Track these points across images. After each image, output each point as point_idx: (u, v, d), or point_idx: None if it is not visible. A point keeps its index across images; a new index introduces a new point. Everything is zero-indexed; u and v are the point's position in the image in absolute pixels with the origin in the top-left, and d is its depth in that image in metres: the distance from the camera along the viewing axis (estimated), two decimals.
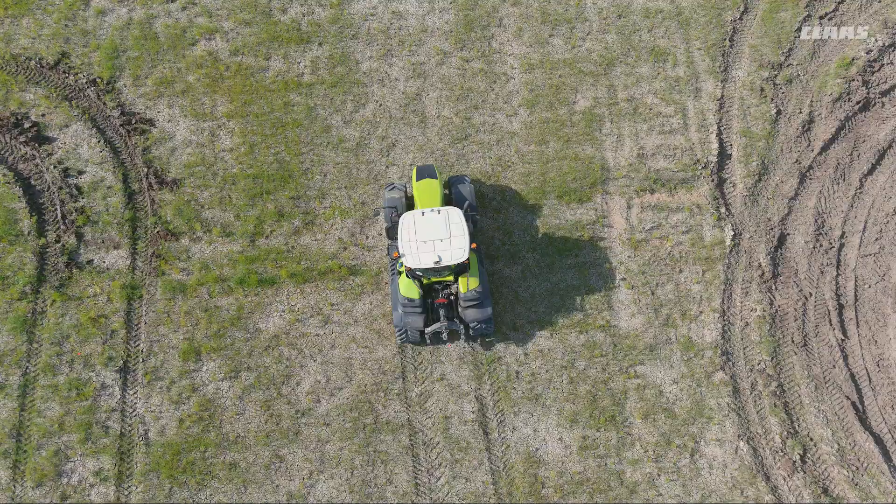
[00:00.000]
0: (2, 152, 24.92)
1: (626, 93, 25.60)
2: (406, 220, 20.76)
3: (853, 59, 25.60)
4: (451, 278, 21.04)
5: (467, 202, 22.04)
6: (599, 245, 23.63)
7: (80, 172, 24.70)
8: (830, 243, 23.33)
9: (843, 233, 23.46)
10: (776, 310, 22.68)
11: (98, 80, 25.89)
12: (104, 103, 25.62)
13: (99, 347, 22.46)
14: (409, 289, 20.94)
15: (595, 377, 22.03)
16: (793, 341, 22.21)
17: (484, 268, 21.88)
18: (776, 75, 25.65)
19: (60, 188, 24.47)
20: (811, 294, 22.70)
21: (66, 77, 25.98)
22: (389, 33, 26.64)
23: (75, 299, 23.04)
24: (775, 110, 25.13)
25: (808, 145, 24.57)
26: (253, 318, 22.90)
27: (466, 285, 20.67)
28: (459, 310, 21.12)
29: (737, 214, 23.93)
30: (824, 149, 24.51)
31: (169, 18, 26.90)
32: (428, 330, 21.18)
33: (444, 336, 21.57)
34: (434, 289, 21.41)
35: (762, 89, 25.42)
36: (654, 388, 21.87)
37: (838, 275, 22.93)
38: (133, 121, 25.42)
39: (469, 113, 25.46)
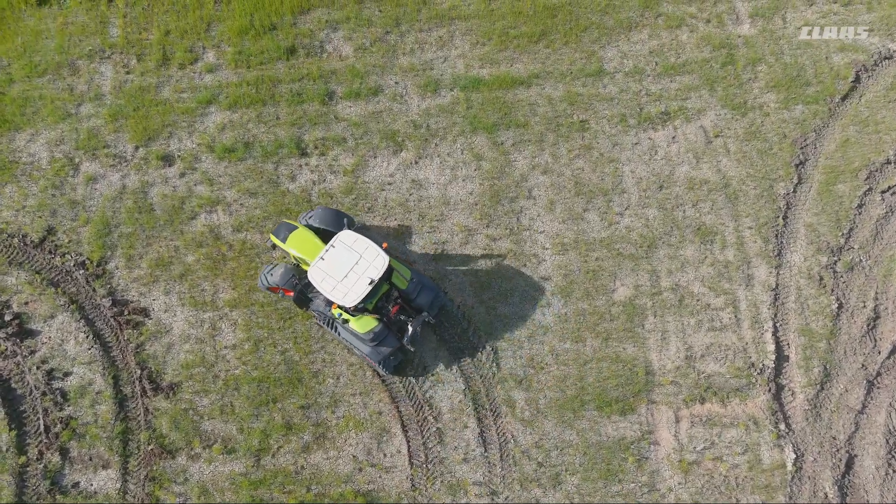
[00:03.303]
0: None
1: (671, 280, 23.19)
2: (314, 275, 20.41)
3: None
4: (386, 287, 21.23)
5: (344, 219, 21.90)
6: (646, 468, 21.14)
7: (67, 374, 22.24)
8: None
9: None
10: None
11: (87, 261, 23.50)
12: (94, 289, 23.20)
13: None
14: (366, 324, 20.79)
15: None
16: None
17: (400, 258, 22.68)
18: (836, 261, 23.27)
19: (44, 394, 22.00)
20: None
21: (53, 257, 23.58)
22: (408, 206, 24.26)
23: None
24: (836, 304, 22.73)
25: (875, 346, 22.16)
26: None
27: (403, 281, 21.23)
28: (411, 304, 21.55)
29: (798, 431, 21.47)
30: (893, 351, 22.09)
31: (166, 186, 24.52)
32: (406, 341, 21.11)
33: (419, 334, 21.43)
34: (378, 307, 21.24)
35: (821, 278, 23.03)
36: None
37: None
38: (125, 311, 22.99)
39: (497, 302, 23.03)
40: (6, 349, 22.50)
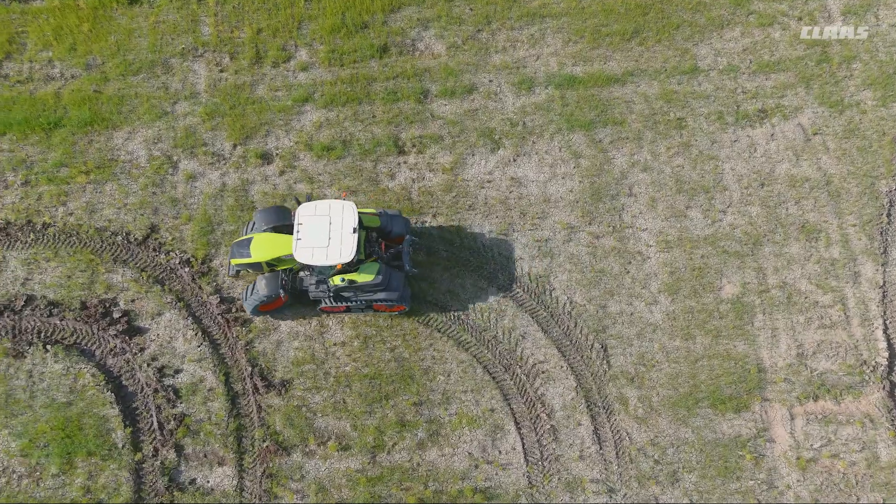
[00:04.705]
0: (89, 345, 22.55)
1: (777, 277, 23.16)
2: (302, 255, 20.52)
3: None
4: (364, 233, 21.73)
5: (292, 201, 22.87)
6: (763, 465, 21.12)
7: (177, 371, 22.28)
8: None
9: None
10: None
11: (192, 258, 23.52)
12: (200, 287, 23.24)
13: None
14: (370, 271, 21.11)
15: None
16: None
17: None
18: None
19: (156, 391, 22.04)
20: None
21: (157, 255, 23.63)
22: (509, 203, 24.27)
23: None
24: None
25: None
26: None
27: (374, 219, 21.88)
28: (390, 236, 22.33)
29: None
30: None
31: (266, 185, 24.56)
32: (407, 267, 21.93)
33: (410, 256, 22.45)
34: (368, 254, 21.75)
35: None
36: None
37: None
38: (233, 308, 23.03)
39: (604, 300, 23.02)
40: (115, 346, 22.56)
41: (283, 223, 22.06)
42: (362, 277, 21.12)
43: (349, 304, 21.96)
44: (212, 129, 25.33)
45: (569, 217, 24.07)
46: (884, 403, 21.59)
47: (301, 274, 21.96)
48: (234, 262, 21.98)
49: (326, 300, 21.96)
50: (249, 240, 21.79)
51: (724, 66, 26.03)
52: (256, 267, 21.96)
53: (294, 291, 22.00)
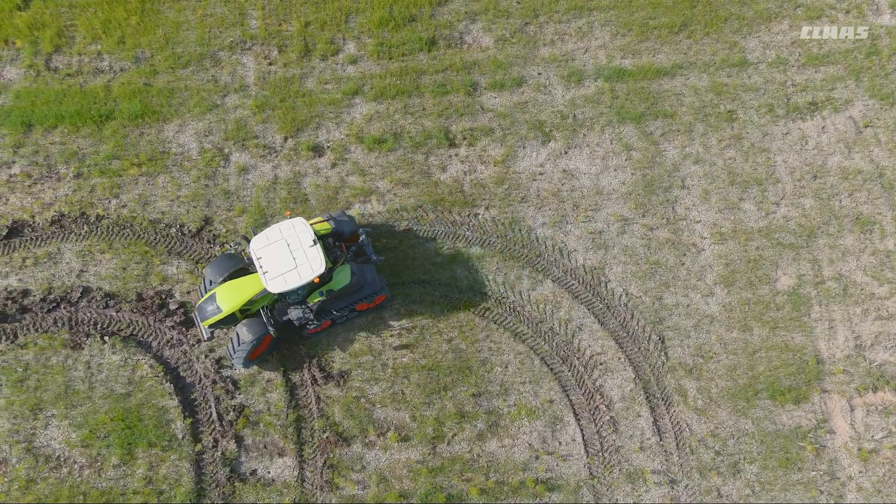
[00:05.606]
0: (146, 336, 22.57)
1: (833, 269, 23.17)
2: (276, 286, 20.11)
3: None
4: (321, 244, 21.45)
5: (238, 244, 23.03)
6: (824, 456, 21.11)
7: None
8: None
9: None
10: None
11: (247, 251, 23.49)
12: None
13: None
14: (342, 274, 21.14)
15: None
16: None
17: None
18: None
19: (214, 382, 22.05)
20: None
21: (211, 247, 23.64)
22: (561, 195, 24.28)
23: None
24: None
25: None
26: None
27: (326, 226, 21.80)
28: (344, 237, 22.38)
29: None
30: None
31: (318, 177, 24.58)
32: (373, 258, 22.05)
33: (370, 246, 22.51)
34: (334, 259, 21.74)
35: None
36: None
37: None
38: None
39: (660, 291, 23.03)
40: (172, 338, 22.57)
41: (235, 268, 21.57)
42: (339, 283, 21.03)
43: (334, 317, 21.81)
44: (262, 122, 25.33)
45: (622, 209, 24.07)
46: None
47: (278, 305, 21.49)
48: (205, 324, 21.04)
49: (311, 322, 21.58)
50: (212, 296, 21.06)
51: (773, 58, 26.04)
52: (230, 320, 21.30)
53: (277, 325, 21.39)
